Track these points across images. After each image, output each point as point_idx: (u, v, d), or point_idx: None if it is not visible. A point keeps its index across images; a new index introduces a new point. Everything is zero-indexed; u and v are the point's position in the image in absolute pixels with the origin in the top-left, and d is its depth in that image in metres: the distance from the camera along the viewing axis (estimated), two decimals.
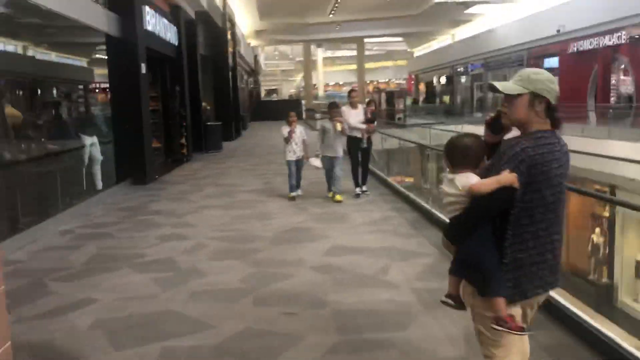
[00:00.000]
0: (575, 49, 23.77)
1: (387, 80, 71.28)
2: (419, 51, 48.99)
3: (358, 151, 8.78)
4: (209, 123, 17.73)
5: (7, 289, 4.91)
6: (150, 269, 5.32)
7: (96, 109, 10.80)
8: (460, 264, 2.33)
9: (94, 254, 5.90)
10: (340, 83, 72.95)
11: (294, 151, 8.73)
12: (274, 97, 65.97)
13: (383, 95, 27.69)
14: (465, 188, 2.23)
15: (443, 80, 40.97)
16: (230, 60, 22.92)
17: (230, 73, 22.27)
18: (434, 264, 5.18)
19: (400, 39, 53.84)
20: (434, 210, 6.94)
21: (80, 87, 11.74)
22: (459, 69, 37.74)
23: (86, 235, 6.78)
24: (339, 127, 8.14)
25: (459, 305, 2.41)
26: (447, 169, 2.40)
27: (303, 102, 45.30)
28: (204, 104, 20.41)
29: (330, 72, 69.75)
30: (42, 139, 8.16)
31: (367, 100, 12.68)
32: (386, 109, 26.87)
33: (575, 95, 23.84)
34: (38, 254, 6.00)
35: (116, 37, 10.34)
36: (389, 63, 68.46)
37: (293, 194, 8.79)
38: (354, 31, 39.97)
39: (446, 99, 41.50)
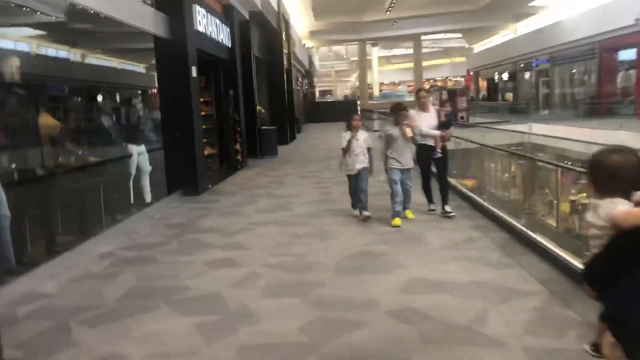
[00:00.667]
0: None
1: (443, 77, 69.25)
2: (478, 47, 46.99)
3: (430, 162, 7.51)
4: (263, 127, 16.95)
5: (25, 337, 4.15)
6: (193, 309, 4.41)
7: (149, 115, 10.10)
8: (605, 313, 1.91)
9: (131, 286, 5.07)
10: (396, 82, 71.50)
11: (357, 163, 7.28)
12: (328, 98, 65.24)
13: (444, 93, 26.26)
14: (608, 218, 1.77)
15: (505, 76, 38.95)
16: (285, 62, 22.15)
17: (285, 75, 21.48)
18: (545, 309, 4.03)
19: (458, 35, 52.00)
20: (529, 232, 5.76)
21: (138, 92, 11.21)
22: (522, 65, 35.73)
23: (127, 260, 5.98)
24: (409, 133, 6.84)
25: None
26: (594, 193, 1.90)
27: (359, 102, 44.26)
28: (258, 107, 19.73)
29: (385, 71, 68.35)
30: (80, 151, 7.42)
31: (441, 99, 11.11)
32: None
33: None
34: (70, 285, 5.22)
35: (165, 38, 9.62)
36: (446, 60, 66.46)
37: (357, 213, 7.42)
38: (411, 28, 38.60)
39: (508, 96, 39.46)
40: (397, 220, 6.82)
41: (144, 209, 8.39)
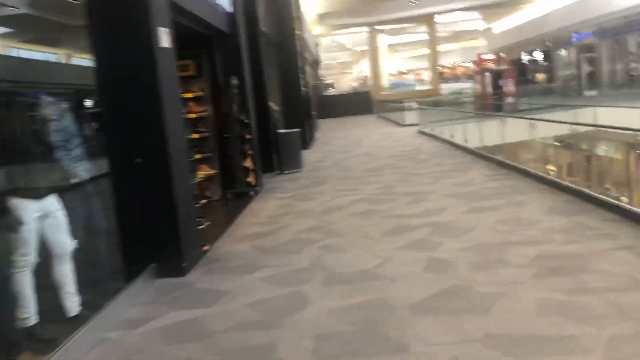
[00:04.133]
0: None
1: (453, 64, 64.03)
2: (498, 25, 41.78)
3: None
4: (281, 131, 11.94)
5: None
6: None
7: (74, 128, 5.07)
8: None
9: None
10: (404, 71, 66.20)
11: None
12: (331, 92, 60.11)
13: (487, 75, 21.25)
14: None
15: (537, 55, 33.82)
16: (298, 45, 17.13)
17: (299, 60, 16.46)
18: None
19: (470, 17, 46.84)
20: None
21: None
22: (558, 41, 30.64)
23: None
24: None
25: None
26: None
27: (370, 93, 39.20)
28: (270, 103, 14.73)
29: (392, 60, 62.93)
30: None
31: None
32: (493, 92, 20.51)
33: None
34: None
35: None
36: (454, 46, 61.15)
37: None
38: (427, 7, 33.45)
39: (540, 77, 34.39)
40: None
41: (61, 346, 3.41)
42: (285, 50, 15.80)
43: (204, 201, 6.07)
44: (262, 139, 11.35)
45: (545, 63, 32.57)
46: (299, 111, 16.28)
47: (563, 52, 30.67)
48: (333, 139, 19.15)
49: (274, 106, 14.70)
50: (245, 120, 9.04)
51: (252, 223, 6.99)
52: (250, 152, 9.09)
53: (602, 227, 5.23)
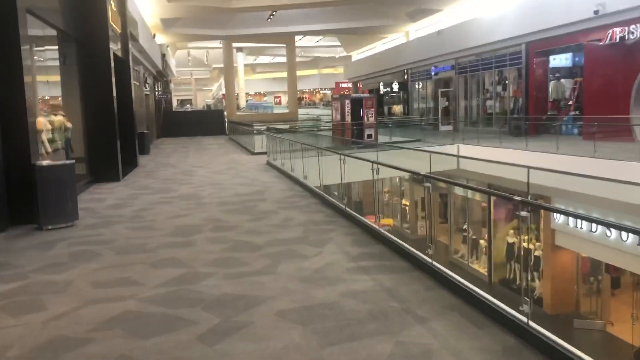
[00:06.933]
0: (617, 37, 15.84)
1: (312, 90, 62.64)
2: (358, 54, 40.42)
3: None
4: (42, 163, 7.53)
5: None
6: None
7: None
8: None
9: None
10: (262, 92, 63.34)
11: None
12: (188, 108, 55.15)
13: (347, 103, 18.54)
14: None
15: (394, 87, 32.49)
16: (115, 46, 12.89)
17: (112, 65, 12.18)
18: None
19: (329, 43, 45.34)
20: None
21: None
22: (416, 73, 29.45)
23: None
24: None
25: None
26: None
27: (225, 113, 35.44)
28: (58, 118, 10.36)
29: (251, 81, 59.73)
30: None
31: None
32: (352, 122, 17.85)
33: (610, 103, 16.02)
34: None
35: None
36: (314, 71, 59.72)
37: None
38: (286, 25, 30.65)
39: (396, 109, 33.15)
40: None
41: None
42: (91, 51, 11.49)
43: None
44: (14, 174, 7.13)
45: (402, 94, 31.30)
46: (112, 130, 12.04)
47: (420, 85, 29.52)
48: (162, 166, 14.98)
49: (66, 122, 10.38)
50: None
51: None
52: None
53: None
